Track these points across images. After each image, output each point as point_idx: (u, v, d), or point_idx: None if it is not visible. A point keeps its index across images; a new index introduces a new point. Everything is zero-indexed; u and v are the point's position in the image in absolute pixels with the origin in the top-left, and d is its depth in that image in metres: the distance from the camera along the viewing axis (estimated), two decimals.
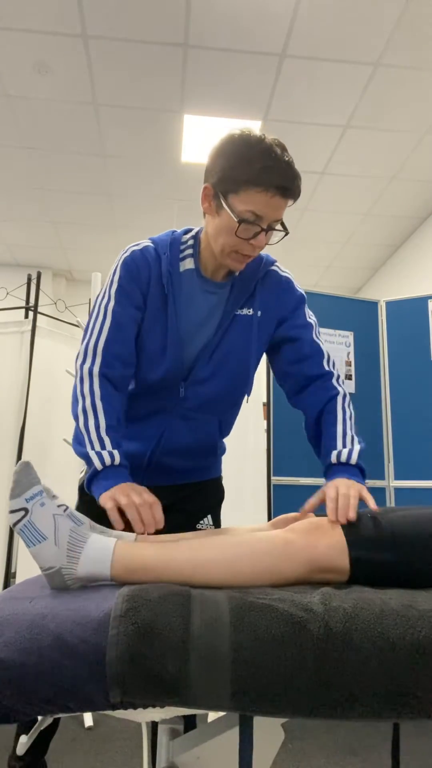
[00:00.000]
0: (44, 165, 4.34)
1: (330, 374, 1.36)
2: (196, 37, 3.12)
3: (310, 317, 1.41)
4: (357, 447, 1.25)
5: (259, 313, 1.35)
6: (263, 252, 1.38)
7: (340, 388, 1.35)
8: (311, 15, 2.95)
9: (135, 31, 3.09)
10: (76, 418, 1.22)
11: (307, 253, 5.69)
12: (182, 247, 1.33)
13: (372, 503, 1.10)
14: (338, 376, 1.37)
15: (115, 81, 3.46)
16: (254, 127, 4.06)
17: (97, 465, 1.17)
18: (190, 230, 1.35)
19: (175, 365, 1.30)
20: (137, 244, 1.33)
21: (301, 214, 4.93)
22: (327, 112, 3.69)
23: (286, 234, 1.23)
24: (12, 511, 0.93)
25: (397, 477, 2.95)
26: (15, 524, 0.93)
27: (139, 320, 1.30)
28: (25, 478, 0.95)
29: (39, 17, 2.99)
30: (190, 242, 1.33)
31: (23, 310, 3.43)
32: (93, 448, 1.18)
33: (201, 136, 3.96)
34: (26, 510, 0.93)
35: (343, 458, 1.23)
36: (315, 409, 1.34)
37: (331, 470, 1.24)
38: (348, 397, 1.34)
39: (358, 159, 4.16)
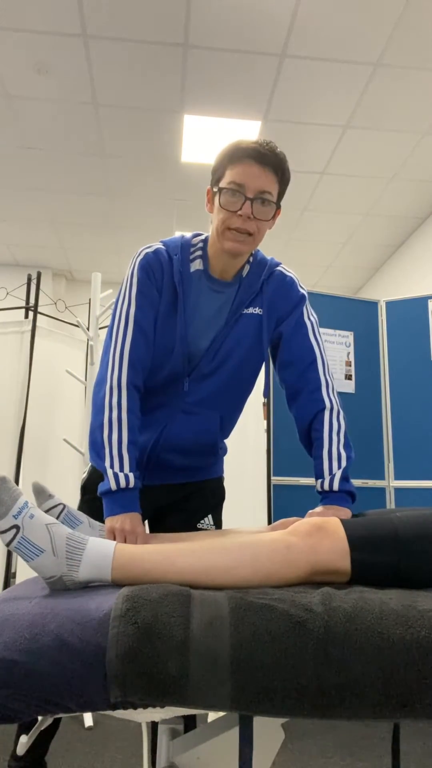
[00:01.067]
0: (44, 165, 4.34)
1: (318, 383, 1.36)
2: (196, 37, 3.12)
3: (310, 317, 1.41)
4: (339, 472, 1.28)
5: (264, 311, 1.37)
6: (268, 257, 1.41)
7: (328, 401, 1.35)
8: (311, 15, 2.95)
9: (135, 31, 3.09)
10: (100, 426, 1.23)
11: (307, 253, 5.69)
12: (192, 249, 1.37)
13: None
14: (328, 384, 1.36)
15: (115, 81, 3.46)
16: (254, 127, 4.08)
17: (112, 485, 1.19)
18: (199, 234, 1.40)
19: (183, 362, 1.33)
20: (149, 247, 1.36)
21: (301, 214, 4.93)
22: (327, 112, 3.69)
23: (278, 207, 1.29)
24: (2, 532, 0.92)
25: (397, 477, 2.95)
26: (9, 543, 0.92)
27: (156, 319, 1.34)
28: (6, 495, 0.93)
29: (39, 17, 2.99)
30: (200, 245, 1.37)
31: (23, 310, 3.43)
32: (112, 466, 1.20)
33: (201, 136, 3.96)
34: (17, 527, 0.92)
35: (326, 486, 1.28)
36: (303, 422, 1.37)
37: (321, 497, 1.30)
38: (336, 409, 1.34)
39: (358, 159, 4.16)
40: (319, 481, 1.30)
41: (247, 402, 1.50)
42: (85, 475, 1.45)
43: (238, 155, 1.24)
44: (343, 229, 5.22)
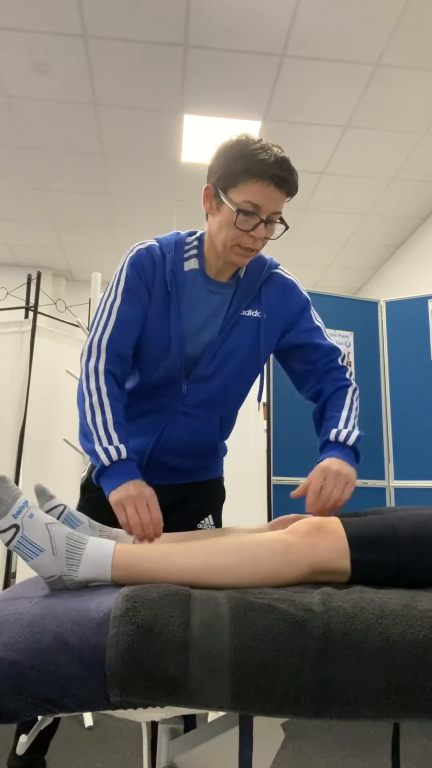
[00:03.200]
0: (44, 165, 4.34)
1: (344, 368, 1.40)
2: (196, 37, 3.12)
3: (317, 320, 1.42)
4: (356, 432, 1.29)
5: (265, 315, 1.36)
6: (267, 255, 1.40)
7: (352, 382, 1.39)
8: (311, 15, 2.95)
9: (135, 31, 3.09)
10: (83, 414, 1.23)
11: (307, 253, 5.69)
12: (186, 247, 1.35)
13: (348, 494, 1.18)
14: (351, 373, 1.41)
15: (115, 81, 3.46)
16: (254, 127, 4.08)
17: (105, 461, 1.18)
18: (194, 233, 1.38)
19: (178, 363, 1.32)
20: (142, 243, 1.35)
21: (301, 214, 4.93)
22: (327, 112, 3.69)
23: (286, 228, 1.27)
24: (2, 531, 0.92)
25: (397, 477, 2.95)
26: (8, 542, 0.92)
27: (143, 319, 1.32)
28: (6, 494, 0.93)
29: (39, 17, 2.99)
30: (195, 243, 1.36)
31: (23, 310, 3.43)
32: (101, 443, 1.20)
33: (201, 136, 3.96)
34: (17, 526, 0.92)
35: (341, 438, 1.27)
36: (325, 395, 1.37)
37: (327, 446, 1.28)
38: (357, 392, 1.38)
39: (358, 159, 4.16)
40: (333, 431, 1.27)
41: (248, 402, 1.50)
42: (84, 474, 1.45)
43: (258, 172, 1.18)
44: (343, 229, 5.22)
